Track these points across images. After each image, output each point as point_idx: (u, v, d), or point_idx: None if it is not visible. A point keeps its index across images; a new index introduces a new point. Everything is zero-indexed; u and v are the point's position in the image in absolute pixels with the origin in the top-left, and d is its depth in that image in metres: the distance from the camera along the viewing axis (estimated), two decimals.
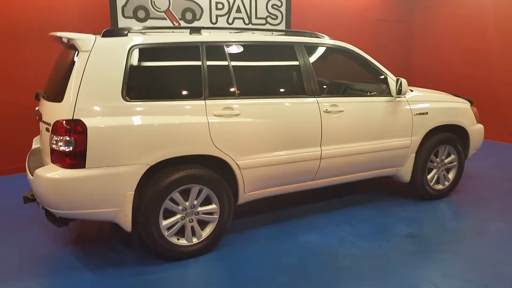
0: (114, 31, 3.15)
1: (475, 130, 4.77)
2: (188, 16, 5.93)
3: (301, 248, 3.53)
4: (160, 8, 5.72)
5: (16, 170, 5.52)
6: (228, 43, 3.51)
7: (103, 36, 3.11)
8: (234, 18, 6.26)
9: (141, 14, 5.61)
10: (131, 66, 3.08)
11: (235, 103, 3.39)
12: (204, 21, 6.03)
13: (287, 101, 3.63)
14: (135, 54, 3.12)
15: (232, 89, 3.43)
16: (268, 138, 3.52)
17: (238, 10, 6.26)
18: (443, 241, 3.70)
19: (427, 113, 4.34)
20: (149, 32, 3.51)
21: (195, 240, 3.39)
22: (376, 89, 4.17)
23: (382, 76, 4.20)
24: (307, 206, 4.48)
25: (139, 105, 3.07)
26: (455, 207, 4.51)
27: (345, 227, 3.95)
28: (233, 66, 3.46)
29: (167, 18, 5.79)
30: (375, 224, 4.03)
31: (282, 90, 3.75)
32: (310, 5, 7.30)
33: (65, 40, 3.10)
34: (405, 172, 4.41)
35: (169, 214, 3.27)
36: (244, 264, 3.31)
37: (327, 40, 4.02)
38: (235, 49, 3.53)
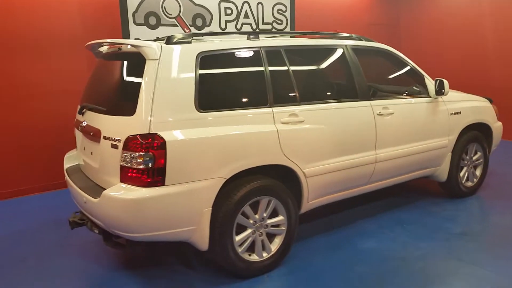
0: (177, 38, 2.94)
1: (497, 127, 4.93)
2: (198, 22, 5.73)
3: (367, 255, 3.46)
4: (171, 14, 5.49)
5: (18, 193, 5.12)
6: (286, 48, 3.40)
7: (167, 43, 2.90)
8: (243, 24, 6.14)
9: (152, 20, 5.36)
10: (201, 74, 2.89)
11: (298, 109, 3.27)
12: (213, 27, 5.86)
13: (344, 106, 3.56)
14: (203, 61, 2.93)
15: (293, 95, 3.32)
16: (330, 144, 3.44)
17: (246, 16, 6.14)
18: (498, 236, 3.76)
19: (460, 112, 4.43)
20: (206, 38, 3.32)
21: (265, 255, 3.23)
22: (414, 90, 4.20)
23: (420, 77, 4.24)
24: (351, 211, 4.42)
25: (212, 116, 2.88)
26: (488, 203, 4.61)
27: (399, 230, 3.93)
28: (292, 70, 3.35)
29: (178, 24, 5.57)
30: (425, 225, 4.04)
31: (338, 94, 3.68)
32: (310, 10, 7.32)
33: (124, 48, 2.86)
34: (443, 171, 4.47)
35: (239, 229, 3.10)
36: (319, 276, 3.18)
37: (370, 42, 4.00)
38: (292, 54, 3.42)
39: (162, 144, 2.65)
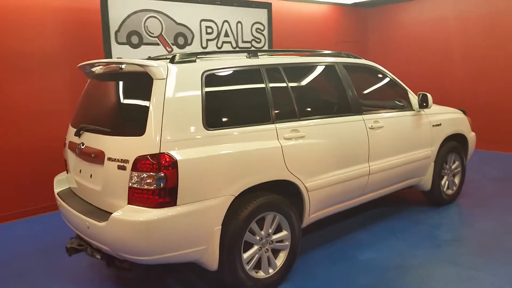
0: (181, 57, 2.95)
1: (472, 137, 5.21)
2: (180, 41, 5.74)
3: (368, 266, 3.53)
4: (153, 33, 5.46)
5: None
6: (284, 65, 3.47)
7: (171, 62, 2.90)
8: (223, 42, 6.19)
9: (135, 39, 5.31)
10: (207, 92, 2.90)
11: (299, 125, 3.34)
12: (195, 46, 5.88)
13: (340, 120, 3.67)
14: (208, 79, 2.95)
15: (293, 111, 3.38)
16: (329, 157, 3.52)
17: (226, 35, 6.21)
18: (486, 240, 3.94)
19: (440, 124, 4.66)
20: (208, 57, 3.34)
21: (271, 271, 3.23)
22: (398, 104, 4.38)
23: (403, 91, 4.43)
24: (344, 222, 4.50)
25: (219, 133, 2.89)
26: (468, 209, 4.83)
27: (393, 239, 4.04)
28: (291, 87, 3.43)
29: (160, 43, 5.55)
30: (416, 233, 4.18)
31: (333, 109, 3.78)
32: (285, 28, 7.50)
33: (126, 68, 2.83)
34: (427, 180, 4.66)
35: (246, 246, 3.08)
36: None
37: (357, 59, 4.16)
38: (289, 71, 3.50)
39: (174, 163, 2.63)
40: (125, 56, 5.22)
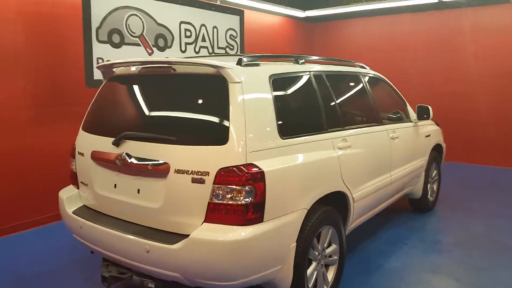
0: (247, 60, 2.69)
1: (444, 147, 5.63)
2: (161, 43, 5.32)
3: (401, 275, 3.56)
4: (134, 33, 4.98)
5: None
6: (325, 73, 3.39)
7: (239, 64, 2.63)
8: (200, 47, 5.91)
9: (116, 38, 4.79)
10: (275, 98, 2.69)
11: (346, 134, 3.27)
12: (174, 49, 5.51)
13: (372, 130, 3.68)
14: (275, 84, 2.74)
15: (339, 120, 3.31)
16: (368, 167, 3.51)
17: (203, 39, 5.93)
18: (485, 241, 4.24)
19: (430, 135, 4.95)
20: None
21: None
22: (401, 115, 4.55)
23: (403, 103, 4.62)
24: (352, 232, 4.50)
25: (291, 142, 2.69)
26: (451, 214, 5.16)
27: (405, 247, 4.14)
28: (334, 95, 3.35)
29: (141, 44, 5.08)
30: (420, 239, 4.34)
31: (365, 119, 3.78)
32: (251, 37, 7.41)
33: (182, 69, 2.51)
34: (419, 188, 4.89)
35: None
36: None
37: (371, 70, 4.24)
38: (330, 79, 3.42)
39: (262, 175, 2.37)
40: (105, 56, 4.68)
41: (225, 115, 2.41)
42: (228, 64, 2.51)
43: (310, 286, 2.87)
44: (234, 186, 2.31)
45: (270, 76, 2.73)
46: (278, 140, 2.59)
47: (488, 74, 7.47)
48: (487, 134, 7.62)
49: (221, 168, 2.32)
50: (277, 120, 2.63)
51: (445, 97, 7.82)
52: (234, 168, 2.32)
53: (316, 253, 2.95)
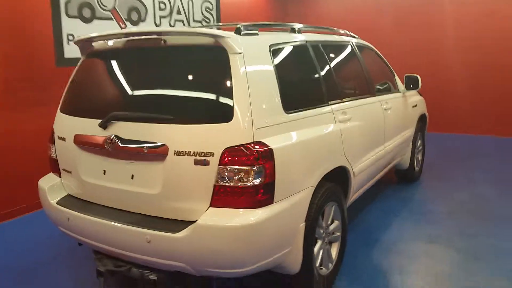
0: (245, 29, 2.47)
1: (427, 117, 5.62)
2: (134, 16, 4.98)
3: (401, 246, 3.53)
4: (106, 6, 4.62)
5: None
6: (322, 43, 3.21)
7: (238, 33, 2.41)
8: (176, 20, 5.58)
9: (86, 13, 4.42)
10: (277, 70, 2.50)
11: (345, 107, 3.13)
12: (148, 22, 5.18)
13: (367, 102, 3.57)
14: (275, 55, 2.55)
15: (338, 92, 3.16)
16: (366, 140, 3.41)
17: (179, 12, 5.61)
18: (473, 208, 4.28)
19: (416, 105, 4.90)
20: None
21: (330, 266, 2.99)
22: (390, 86, 4.46)
23: (392, 73, 4.53)
24: None
25: (295, 117, 2.53)
26: (437, 184, 5.18)
27: (398, 219, 4.11)
28: (332, 66, 3.19)
29: (113, 18, 4.72)
30: (412, 210, 4.34)
31: (360, 90, 3.64)
32: (228, 11, 7.10)
33: (174, 40, 2.28)
34: (406, 159, 4.87)
35: None
36: (399, 274, 3.11)
37: (361, 40, 4.09)
38: (327, 49, 3.25)
39: (270, 153, 2.20)
40: (76, 31, 4.32)
41: (227, 89, 2.20)
42: (228, 33, 2.29)
43: (317, 265, 2.76)
44: (242, 167, 2.13)
45: (270, 46, 2.53)
46: (283, 115, 2.42)
47: (466, 45, 7.50)
48: (463, 103, 7.72)
49: (226, 148, 2.14)
50: (281, 93, 2.44)
51: (422, 68, 7.82)
52: (241, 147, 2.14)
53: (321, 231, 2.84)
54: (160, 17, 5.33)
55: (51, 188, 2.79)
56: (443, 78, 7.68)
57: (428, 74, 7.74)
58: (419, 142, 5.30)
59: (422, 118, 5.24)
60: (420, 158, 5.42)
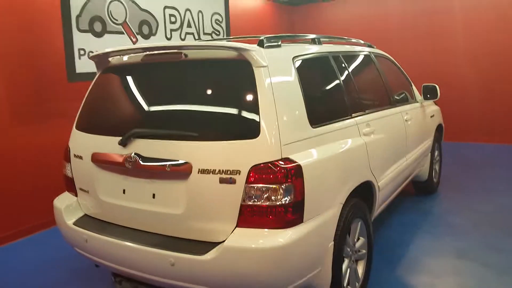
0: (268, 41, 2.38)
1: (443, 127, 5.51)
2: (145, 30, 4.93)
3: (427, 263, 3.40)
4: (117, 20, 4.57)
5: None
6: (343, 54, 3.13)
7: (261, 46, 2.33)
8: (186, 33, 5.54)
9: (98, 27, 4.37)
10: (301, 82, 2.41)
11: (368, 119, 3.03)
12: (159, 36, 5.13)
13: (389, 113, 3.47)
14: (298, 67, 2.46)
15: (360, 104, 3.07)
16: (390, 152, 3.31)
17: (189, 25, 5.56)
18: (498, 221, 4.13)
19: (434, 115, 4.79)
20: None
21: (357, 285, 2.86)
22: (407, 96, 4.36)
23: (409, 83, 4.43)
24: None
25: (321, 131, 2.43)
26: (455, 195, 5.03)
27: (420, 232, 3.98)
28: (353, 77, 3.10)
29: (124, 32, 4.67)
30: (432, 222, 4.20)
31: (382, 101, 3.55)
32: (237, 23, 7.07)
33: (194, 55, 2.20)
34: (425, 170, 4.74)
35: None
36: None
37: (377, 50, 4.01)
38: (347, 60, 3.16)
39: (299, 171, 2.10)
40: (88, 46, 4.26)
41: (252, 104, 2.11)
42: (252, 46, 2.20)
43: (345, 285, 2.64)
44: (270, 185, 2.03)
45: (293, 58, 2.45)
46: (309, 129, 2.32)
47: (478, 53, 7.40)
48: (476, 112, 7.60)
49: (254, 165, 2.04)
50: (306, 107, 2.35)
51: (434, 77, 7.73)
52: (269, 164, 2.04)
53: (348, 249, 2.72)
54: (171, 30, 5.29)
55: (67, 208, 2.70)
56: (456, 87, 7.58)
57: (442, 84, 7.69)
58: (436, 153, 5.18)
59: (438, 128, 5.13)
60: (438, 168, 5.29)
